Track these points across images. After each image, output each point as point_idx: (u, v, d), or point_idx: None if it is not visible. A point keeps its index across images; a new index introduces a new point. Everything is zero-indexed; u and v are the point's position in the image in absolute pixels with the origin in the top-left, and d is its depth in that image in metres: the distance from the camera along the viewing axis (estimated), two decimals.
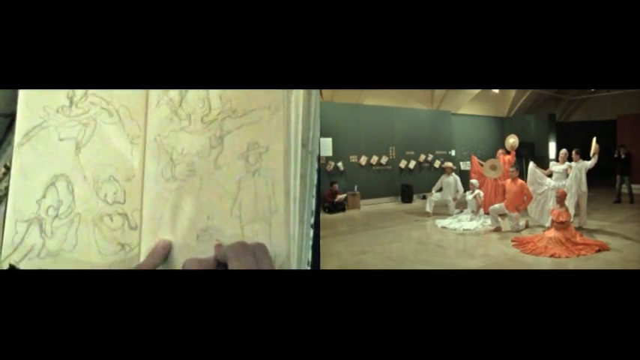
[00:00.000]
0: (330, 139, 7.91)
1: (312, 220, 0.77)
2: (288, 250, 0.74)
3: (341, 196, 7.66)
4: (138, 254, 0.80)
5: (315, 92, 0.82)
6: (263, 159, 0.78)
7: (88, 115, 0.85)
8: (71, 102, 0.87)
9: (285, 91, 0.79)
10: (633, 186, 8.27)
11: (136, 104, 0.84)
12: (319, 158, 0.83)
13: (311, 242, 0.78)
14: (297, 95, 0.79)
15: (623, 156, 7.97)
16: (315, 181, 0.80)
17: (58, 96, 0.87)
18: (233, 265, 0.65)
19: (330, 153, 7.93)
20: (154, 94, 0.83)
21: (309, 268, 0.77)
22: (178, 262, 0.76)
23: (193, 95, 0.82)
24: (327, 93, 8.24)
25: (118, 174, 0.83)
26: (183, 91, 0.82)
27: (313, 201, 0.79)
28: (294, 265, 0.73)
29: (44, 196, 0.84)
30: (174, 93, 0.83)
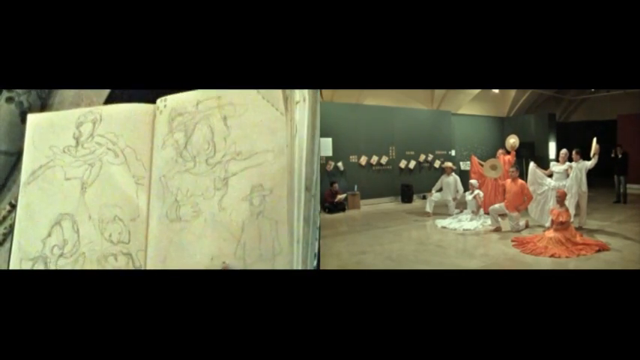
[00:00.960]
0: (330, 139, 7.90)
1: (315, 263, 0.78)
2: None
3: (341, 196, 7.66)
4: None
5: (317, 135, 0.83)
6: (267, 201, 0.79)
7: (94, 156, 0.87)
8: (77, 142, 0.88)
9: (289, 134, 0.79)
10: (633, 186, 8.26)
11: (141, 145, 0.85)
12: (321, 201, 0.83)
13: None
14: (302, 138, 0.80)
15: (619, 155, 7.95)
16: (318, 224, 0.81)
17: (65, 135, 0.88)
18: None
19: (330, 153, 7.92)
20: (160, 135, 0.84)
21: None
22: None
23: (198, 137, 0.83)
24: (327, 93, 8.24)
25: (123, 214, 0.84)
26: (189, 132, 0.83)
27: (317, 244, 0.79)
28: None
29: (49, 235, 0.85)
30: (179, 135, 0.84)
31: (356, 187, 8.17)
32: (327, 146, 7.84)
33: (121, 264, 0.82)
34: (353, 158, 8.40)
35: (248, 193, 0.79)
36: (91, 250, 0.84)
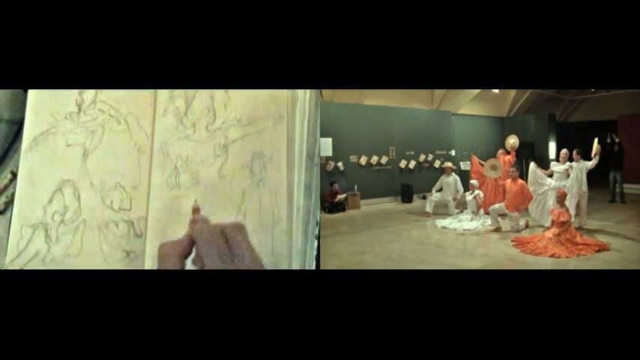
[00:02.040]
0: (330, 139, 7.90)
1: (317, 231, 0.78)
2: (290, 260, 0.75)
3: (341, 196, 7.66)
4: (142, 262, 0.80)
5: (318, 104, 0.83)
6: (267, 169, 0.78)
7: (96, 122, 0.86)
8: (79, 108, 0.87)
9: (290, 100, 0.79)
10: (633, 186, 8.23)
11: (143, 112, 0.84)
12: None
13: (315, 253, 0.78)
14: (303, 105, 0.80)
15: (616, 140, 7.77)
16: (319, 192, 0.80)
17: (67, 102, 0.87)
18: (201, 250, 0.62)
19: (330, 153, 7.92)
20: (161, 102, 0.83)
21: None
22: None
23: (199, 104, 0.83)
24: (327, 93, 8.24)
25: (125, 181, 0.83)
26: (189, 99, 0.83)
27: (318, 212, 0.79)
28: None
29: (50, 202, 0.84)
30: (180, 102, 0.83)
31: (356, 187, 8.17)
32: (327, 146, 7.84)
33: (122, 231, 0.82)
34: (353, 158, 8.40)
35: (249, 161, 0.79)
36: (92, 217, 0.84)
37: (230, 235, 0.64)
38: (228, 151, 0.81)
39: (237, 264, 0.62)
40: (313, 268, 0.77)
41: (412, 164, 9.14)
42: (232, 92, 0.82)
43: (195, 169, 0.82)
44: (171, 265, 0.64)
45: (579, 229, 5.24)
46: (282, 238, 0.76)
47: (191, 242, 0.66)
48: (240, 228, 0.65)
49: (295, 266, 0.75)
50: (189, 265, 0.70)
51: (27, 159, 0.86)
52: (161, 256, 0.65)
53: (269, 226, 0.76)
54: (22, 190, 0.85)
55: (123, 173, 0.85)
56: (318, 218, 0.79)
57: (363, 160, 8.51)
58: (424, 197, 8.13)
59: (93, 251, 0.83)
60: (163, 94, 0.85)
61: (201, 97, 0.84)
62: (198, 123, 0.83)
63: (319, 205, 0.79)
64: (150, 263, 0.81)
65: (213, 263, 0.61)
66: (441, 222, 6.28)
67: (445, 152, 9.61)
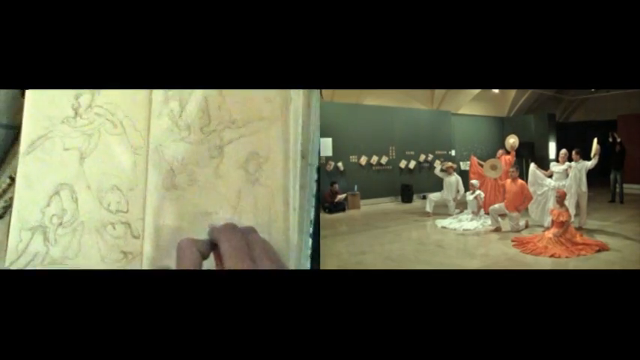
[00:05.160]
0: (330, 139, 7.91)
1: (311, 230, 0.79)
2: (287, 259, 0.76)
3: (341, 196, 7.67)
4: (140, 263, 0.81)
5: (314, 103, 0.84)
6: (263, 169, 0.79)
7: (93, 126, 0.86)
8: (76, 113, 0.88)
9: (284, 101, 0.80)
10: (633, 186, 8.24)
11: (139, 115, 0.85)
12: (319, 170, 0.84)
13: (309, 252, 0.79)
14: (297, 105, 0.81)
15: (618, 140, 7.79)
16: (315, 192, 0.81)
17: (63, 107, 0.88)
18: (223, 247, 0.66)
19: (330, 153, 7.93)
20: (156, 105, 0.84)
21: None
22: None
23: (193, 106, 0.84)
24: (327, 93, 8.25)
25: (122, 184, 0.84)
26: (184, 101, 0.84)
27: (312, 211, 0.80)
28: None
29: (48, 205, 0.85)
30: (174, 104, 0.84)
31: (356, 187, 8.18)
32: (327, 146, 7.85)
33: (119, 233, 0.82)
34: (353, 158, 8.41)
35: (243, 161, 0.80)
36: (90, 219, 0.84)
37: (245, 233, 0.69)
38: (224, 152, 0.82)
39: (257, 259, 0.65)
40: (308, 266, 0.78)
41: (412, 164, 9.15)
42: (226, 94, 0.83)
43: (191, 170, 0.82)
44: (190, 256, 0.66)
45: (579, 229, 5.25)
46: (278, 236, 0.77)
47: (209, 241, 0.69)
48: (251, 229, 0.72)
49: (291, 264, 0.76)
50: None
51: (24, 163, 0.86)
52: (180, 249, 0.67)
53: (265, 225, 0.77)
54: (20, 194, 0.86)
55: (119, 176, 0.85)
56: (311, 217, 0.80)
57: (363, 160, 8.52)
58: (424, 197, 8.14)
59: (91, 253, 0.84)
60: (158, 96, 0.86)
61: (196, 99, 0.85)
62: (193, 125, 0.84)
63: (313, 203, 0.80)
64: (147, 264, 0.82)
65: (231, 258, 0.64)
66: (441, 222, 6.29)
67: (445, 152, 9.62)
